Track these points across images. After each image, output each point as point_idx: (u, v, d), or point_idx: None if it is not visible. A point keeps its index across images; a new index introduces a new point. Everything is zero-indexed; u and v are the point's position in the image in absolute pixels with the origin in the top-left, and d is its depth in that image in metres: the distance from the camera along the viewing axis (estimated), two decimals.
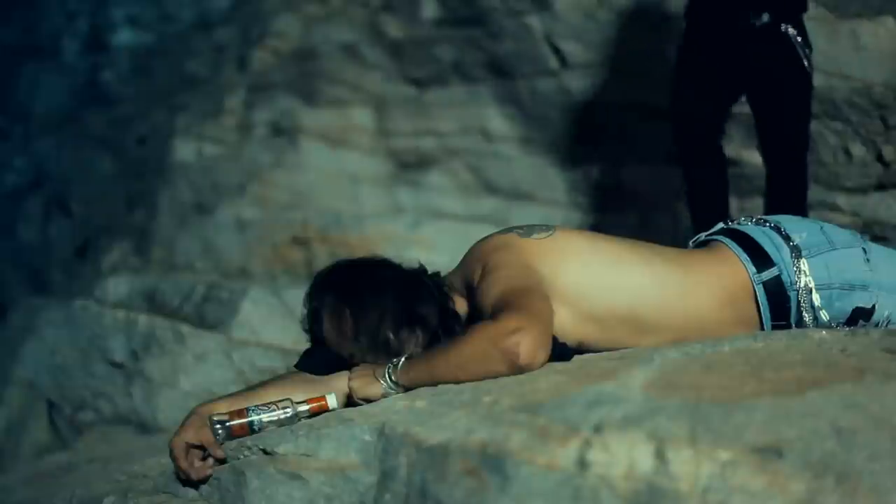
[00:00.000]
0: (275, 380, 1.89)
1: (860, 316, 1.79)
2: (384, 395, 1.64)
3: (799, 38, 2.88)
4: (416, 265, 1.89)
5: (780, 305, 1.79)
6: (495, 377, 1.52)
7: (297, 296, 2.35)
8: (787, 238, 1.83)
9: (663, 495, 1.13)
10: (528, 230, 1.83)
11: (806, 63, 2.89)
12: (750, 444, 1.14)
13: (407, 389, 1.62)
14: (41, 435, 3.54)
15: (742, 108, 3.60)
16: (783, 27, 2.87)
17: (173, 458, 1.71)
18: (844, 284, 1.79)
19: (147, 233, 4.94)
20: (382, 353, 1.73)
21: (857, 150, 3.35)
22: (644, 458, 1.16)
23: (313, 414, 1.70)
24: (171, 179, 5.03)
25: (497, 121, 4.83)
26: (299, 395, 1.74)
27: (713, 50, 2.96)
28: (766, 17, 2.88)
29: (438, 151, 4.97)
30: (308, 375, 1.83)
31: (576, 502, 1.17)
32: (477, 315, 1.71)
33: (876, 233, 3.29)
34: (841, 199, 3.41)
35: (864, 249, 1.84)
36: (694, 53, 3.04)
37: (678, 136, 3.10)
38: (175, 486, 1.76)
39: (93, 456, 2.97)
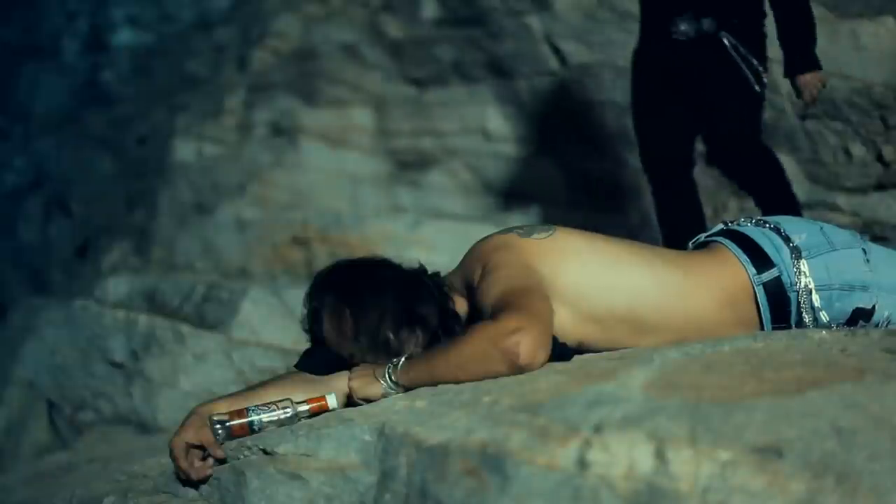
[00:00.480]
0: (275, 380, 1.89)
1: (860, 316, 1.79)
2: (384, 395, 1.64)
3: (739, 48, 2.78)
4: (416, 265, 1.89)
5: (780, 306, 1.79)
6: (495, 377, 1.52)
7: (297, 296, 2.35)
8: (786, 239, 1.82)
9: (663, 495, 1.13)
10: (528, 230, 1.83)
11: (748, 73, 2.79)
12: (750, 444, 1.14)
13: (407, 389, 1.62)
14: (41, 435, 3.54)
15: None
16: (720, 34, 2.79)
17: (173, 458, 1.71)
18: (844, 285, 1.79)
19: (147, 233, 4.95)
20: (382, 353, 1.73)
21: (857, 150, 3.35)
22: (644, 458, 1.16)
23: (313, 414, 1.70)
24: (171, 179, 5.04)
25: (497, 121, 4.83)
26: (299, 395, 1.73)
27: (659, 61, 2.92)
28: (685, 27, 2.80)
29: (438, 151, 4.97)
30: (308, 375, 1.83)
31: (576, 502, 1.17)
32: (477, 315, 1.71)
33: (876, 233, 3.29)
34: (841, 199, 3.41)
35: (863, 250, 1.84)
36: (644, 65, 3.00)
37: (643, 156, 3.05)
38: (175, 486, 1.76)
39: (93, 456, 2.97)
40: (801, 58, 2.77)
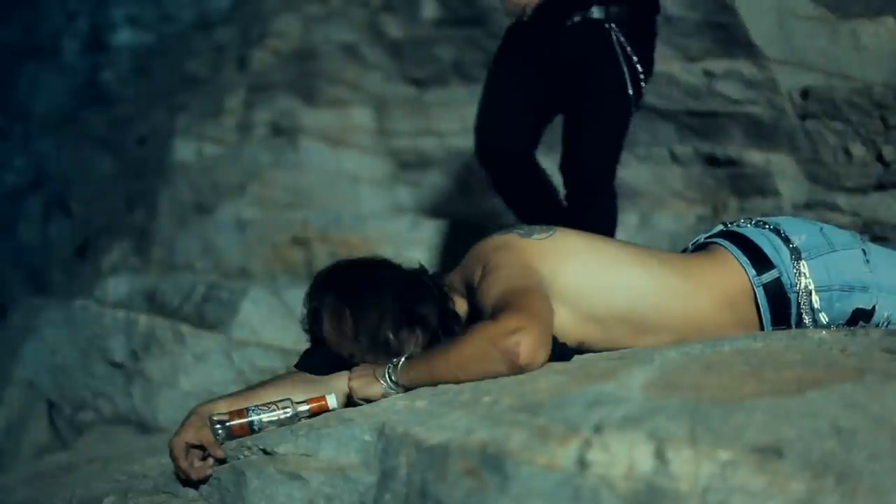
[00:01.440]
0: (275, 380, 1.89)
1: (860, 317, 1.80)
2: (384, 395, 1.64)
3: (626, 47, 2.61)
4: (416, 265, 1.89)
5: (780, 307, 1.79)
6: (495, 377, 1.53)
7: (297, 296, 2.35)
8: (786, 240, 1.83)
9: (663, 495, 1.13)
10: (528, 231, 1.83)
11: (625, 70, 2.61)
12: (750, 444, 1.14)
13: (407, 389, 1.62)
14: (41, 435, 3.54)
15: (737, 107, 3.59)
16: (607, 25, 2.61)
17: (173, 458, 1.71)
18: (844, 286, 1.79)
19: (147, 233, 4.94)
20: (382, 353, 1.74)
21: (857, 150, 3.34)
22: (644, 458, 1.16)
23: (313, 414, 1.70)
24: (171, 179, 5.03)
25: None
26: (299, 395, 1.74)
27: (529, 50, 2.73)
28: (577, 17, 2.63)
29: (438, 151, 4.97)
30: (308, 375, 1.83)
31: (576, 502, 1.17)
32: (477, 315, 1.71)
33: (876, 233, 3.28)
34: (841, 199, 3.40)
35: (863, 251, 1.84)
36: (509, 55, 2.83)
37: (481, 152, 2.89)
38: (175, 486, 1.76)
39: (93, 456, 2.96)
40: None
